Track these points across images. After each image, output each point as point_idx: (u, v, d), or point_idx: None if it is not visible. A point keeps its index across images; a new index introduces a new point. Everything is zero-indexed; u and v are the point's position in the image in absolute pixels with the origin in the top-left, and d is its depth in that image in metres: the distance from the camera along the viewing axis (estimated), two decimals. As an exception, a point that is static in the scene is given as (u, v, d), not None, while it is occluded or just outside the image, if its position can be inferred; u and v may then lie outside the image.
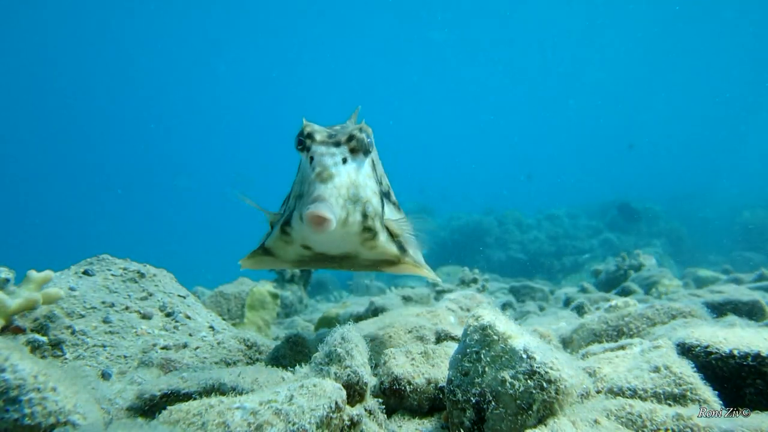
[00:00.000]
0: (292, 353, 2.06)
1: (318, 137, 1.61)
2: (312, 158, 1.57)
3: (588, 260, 12.69)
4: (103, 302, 2.03)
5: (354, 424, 1.19)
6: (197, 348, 2.01)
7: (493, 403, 1.16)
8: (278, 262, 1.96)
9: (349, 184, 1.56)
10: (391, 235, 1.77)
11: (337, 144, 1.60)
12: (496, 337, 1.25)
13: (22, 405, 0.99)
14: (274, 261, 1.94)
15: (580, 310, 3.61)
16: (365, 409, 1.30)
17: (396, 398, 1.49)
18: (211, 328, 2.30)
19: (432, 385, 1.48)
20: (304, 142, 1.61)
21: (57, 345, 1.75)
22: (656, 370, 1.38)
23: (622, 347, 1.78)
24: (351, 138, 1.61)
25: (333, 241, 1.66)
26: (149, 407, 1.37)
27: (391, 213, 1.86)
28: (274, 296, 3.73)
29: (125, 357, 1.85)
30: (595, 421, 1.15)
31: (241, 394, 1.23)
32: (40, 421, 1.00)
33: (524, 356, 1.17)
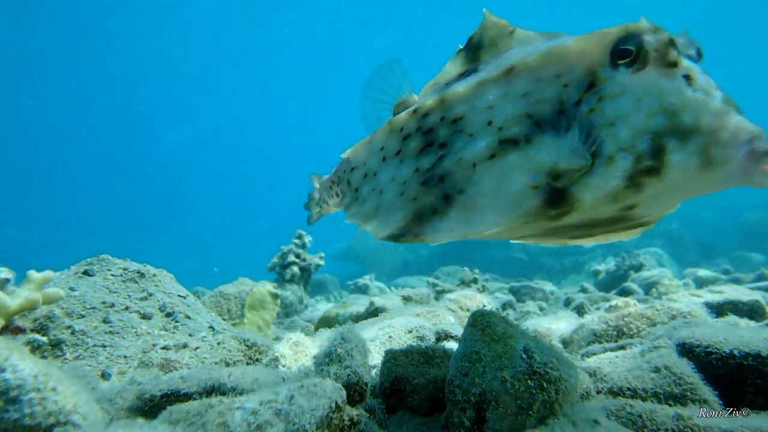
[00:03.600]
0: (292, 353, 2.06)
1: (681, 47, 1.11)
2: (692, 77, 1.06)
3: (588, 260, 12.70)
4: (103, 302, 2.03)
5: (354, 424, 1.19)
6: (197, 348, 2.01)
7: (493, 403, 1.16)
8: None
9: None
10: None
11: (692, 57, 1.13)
12: (496, 338, 1.25)
13: (22, 405, 0.99)
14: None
15: (580, 310, 3.61)
16: (365, 409, 1.30)
17: (396, 398, 1.49)
18: (211, 328, 2.30)
19: (432, 385, 1.48)
20: (668, 53, 1.07)
21: (57, 345, 1.75)
22: (656, 370, 1.38)
23: (622, 347, 1.78)
24: (700, 53, 1.16)
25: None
26: (149, 407, 1.37)
27: None
28: (274, 296, 3.73)
29: (125, 357, 1.85)
30: (596, 421, 1.15)
31: (241, 394, 1.23)
32: (40, 421, 1.00)
33: (524, 356, 1.17)
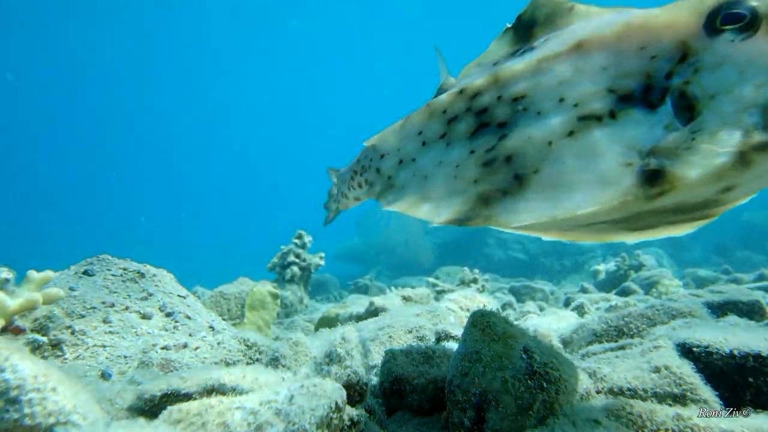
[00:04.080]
0: (292, 353, 2.06)
1: None
2: None
3: (588, 260, 12.70)
4: (103, 302, 2.03)
5: (354, 424, 1.19)
6: (197, 348, 2.01)
7: (493, 403, 1.16)
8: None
9: None
10: None
11: None
12: (496, 338, 1.25)
13: (22, 405, 0.99)
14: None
15: (580, 310, 3.61)
16: (365, 409, 1.30)
17: (396, 398, 1.49)
18: (211, 328, 2.30)
19: (432, 385, 1.48)
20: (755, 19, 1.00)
21: (57, 345, 1.75)
22: (656, 370, 1.38)
23: (622, 347, 1.78)
24: None
25: None
26: (149, 407, 1.37)
27: None
28: (274, 296, 3.73)
29: (125, 357, 1.85)
30: (596, 421, 1.15)
31: (241, 394, 1.23)
32: (40, 421, 1.00)
33: (524, 356, 1.17)
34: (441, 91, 1.51)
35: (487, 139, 1.19)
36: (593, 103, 1.07)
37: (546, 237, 1.26)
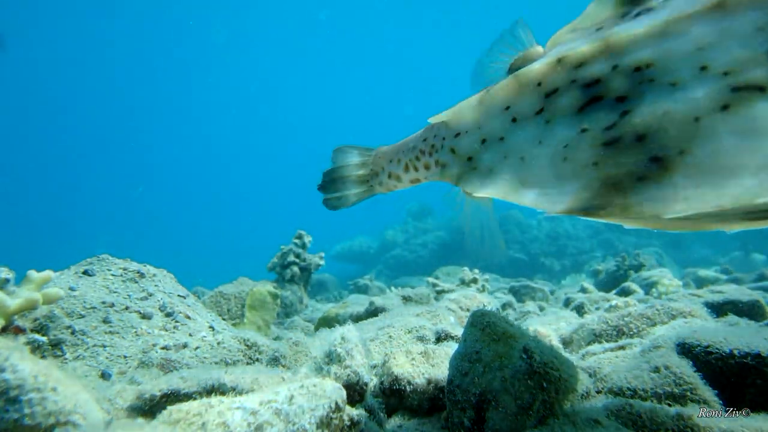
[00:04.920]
0: (292, 353, 2.06)
1: None
2: None
3: (588, 260, 12.70)
4: (103, 302, 2.03)
5: (354, 424, 1.19)
6: (197, 348, 2.01)
7: (493, 403, 1.16)
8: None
9: None
10: None
11: None
12: (496, 337, 1.25)
13: (22, 405, 0.99)
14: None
15: (580, 310, 3.61)
16: (365, 409, 1.30)
17: (396, 398, 1.49)
18: (211, 328, 2.30)
19: (432, 385, 1.48)
20: None
21: (57, 345, 1.75)
22: (656, 370, 1.38)
23: (622, 347, 1.78)
24: None
25: None
26: (149, 407, 1.37)
27: None
28: (274, 296, 3.73)
29: (125, 357, 1.85)
30: (596, 421, 1.15)
31: (241, 394, 1.23)
32: (40, 421, 1.00)
33: (524, 356, 1.17)
34: (521, 62, 1.31)
35: (603, 115, 1.03)
36: (750, 70, 0.91)
37: (642, 226, 1.04)
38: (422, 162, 1.47)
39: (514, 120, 1.18)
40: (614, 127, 1.01)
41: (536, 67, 1.14)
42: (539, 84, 1.13)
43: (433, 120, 1.39)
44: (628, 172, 0.97)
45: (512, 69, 1.33)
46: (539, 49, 1.32)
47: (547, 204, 1.08)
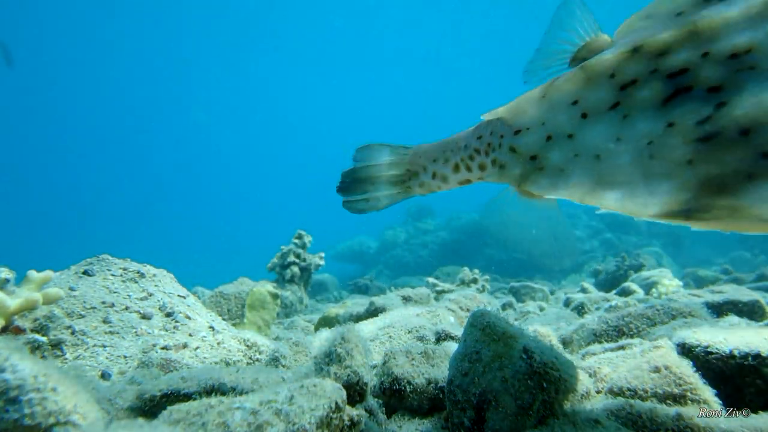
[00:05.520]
0: (292, 353, 2.06)
1: None
2: None
3: (588, 260, 12.70)
4: (103, 302, 2.03)
5: (354, 424, 1.19)
6: (197, 348, 2.01)
7: (493, 403, 1.16)
8: None
9: None
10: None
11: None
12: (496, 337, 1.25)
13: (22, 405, 0.99)
14: None
15: (580, 310, 3.61)
16: (365, 409, 1.30)
17: (396, 398, 1.49)
18: (211, 328, 2.30)
19: (432, 385, 1.48)
20: None
21: (57, 345, 1.75)
22: (656, 370, 1.38)
23: (622, 347, 1.78)
24: None
25: None
26: (149, 407, 1.37)
27: None
28: (274, 296, 3.73)
29: (125, 357, 1.85)
30: (596, 421, 1.15)
31: (241, 394, 1.23)
32: (40, 421, 1.00)
33: (524, 356, 1.17)
34: (586, 52, 1.21)
35: (694, 107, 0.94)
36: None
37: (753, 231, 0.95)
38: (477, 162, 1.35)
39: (584, 115, 1.09)
40: (709, 121, 0.92)
41: (608, 57, 1.05)
42: (612, 75, 1.05)
43: (487, 116, 1.29)
44: (734, 170, 0.88)
45: (576, 60, 1.22)
46: (605, 37, 1.22)
47: (636, 207, 0.98)
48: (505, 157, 1.26)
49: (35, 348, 1.70)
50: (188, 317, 2.27)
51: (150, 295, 2.27)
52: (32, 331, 1.74)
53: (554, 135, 1.14)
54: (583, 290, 5.82)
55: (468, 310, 2.92)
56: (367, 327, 2.29)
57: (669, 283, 5.17)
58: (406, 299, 3.62)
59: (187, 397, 1.35)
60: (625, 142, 1.02)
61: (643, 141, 0.99)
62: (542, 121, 1.16)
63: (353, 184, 1.63)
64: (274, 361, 2.01)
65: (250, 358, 2.08)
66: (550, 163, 1.15)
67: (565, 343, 2.37)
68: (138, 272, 2.36)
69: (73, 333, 1.81)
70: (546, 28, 1.32)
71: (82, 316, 1.92)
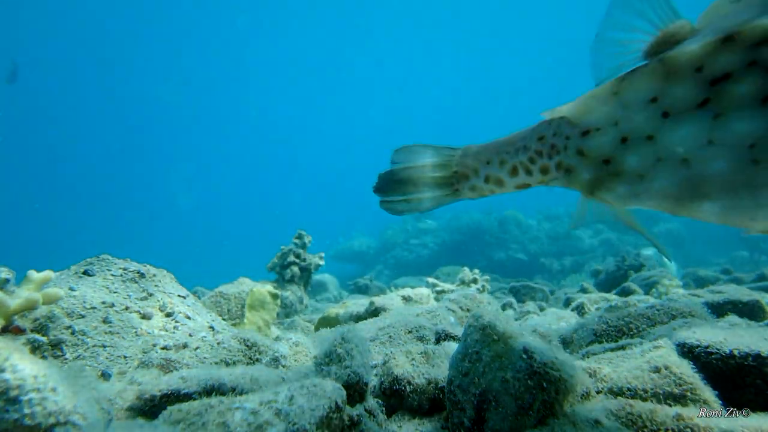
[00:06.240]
0: (292, 353, 2.06)
1: None
2: None
3: (588, 260, 12.71)
4: (103, 302, 2.03)
5: (354, 424, 1.19)
6: (197, 348, 2.01)
7: (493, 403, 1.16)
8: None
9: None
10: None
11: None
12: (496, 337, 1.25)
13: (22, 405, 0.99)
14: None
15: (580, 310, 3.61)
16: (365, 409, 1.30)
17: (396, 398, 1.49)
18: (211, 328, 2.30)
19: (432, 385, 1.48)
20: None
21: (57, 345, 1.75)
22: (656, 370, 1.38)
23: (622, 347, 1.78)
24: None
25: None
26: (149, 407, 1.37)
27: None
28: (274, 296, 3.73)
29: (125, 357, 1.85)
30: (596, 422, 1.15)
31: (241, 394, 1.23)
32: (40, 422, 1.00)
33: (524, 356, 1.17)
34: (662, 42, 1.06)
35: None
36: None
37: None
38: (538, 165, 1.24)
39: (665, 114, 0.97)
40: None
41: (693, 48, 0.93)
42: (700, 69, 0.92)
43: (548, 115, 1.19)
44: None
45: (651, 51, 1.08)
46: (687, 24, 1.06)
47: (742, 220, 0.89)
48: (572, 161, 1.15)
49: (35, 348, 1.70)
50: (188, 317, 2.27)
51: (150, 295, 2.27)
52: (32, 331, 1.74)
53: (630, 136, 1.03)
54: (583, 290, 5.82)
55: (468, 310, 2.92)
56: (367, 327, 2.29)
57: (669, 283, 5.18)
58: (406, 299, 3.62)
59: (187, 397, 1.35)
60: (720, 145, 0.91)
61: (743, 144, 0.88)
62: (615, 121, 1.05)
63: (392, 185, 1.53)
64: (274, 361, 2.01)
65: (250, 358, 2.08)
66: (627, 169, 1.04)
67: (565, 343, 2.37)
68: (138, 272, 2.35)
69: (73, 333, 1.81)
70: (608, 15, 1.16)
71: (82, 316, 1.92)
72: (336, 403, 1.09)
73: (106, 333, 1.91)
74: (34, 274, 1.77)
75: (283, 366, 1.99)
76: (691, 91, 0.93)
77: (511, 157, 1.30)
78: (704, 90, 0.92)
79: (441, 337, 2.15)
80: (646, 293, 4.98)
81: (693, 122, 0.94)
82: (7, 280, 1.70)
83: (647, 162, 1.01)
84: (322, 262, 6.12)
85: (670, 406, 1.27)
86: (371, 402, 1.34)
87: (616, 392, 1.39)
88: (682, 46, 0.97)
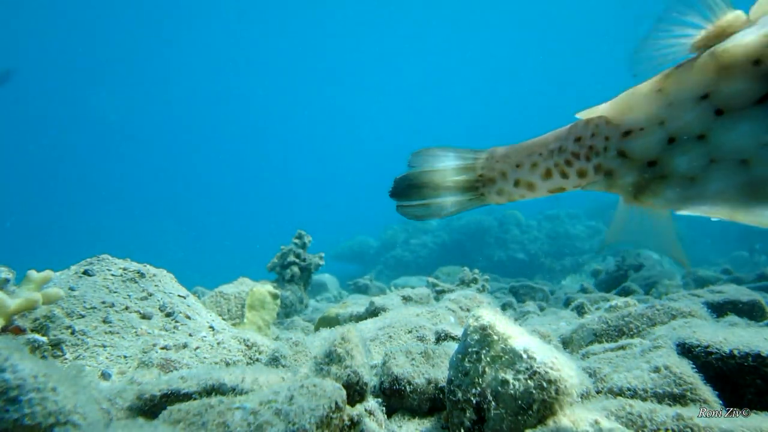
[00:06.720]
0: (292, 353, 2.06)
1: None
2: None
3: (588, 260, 12.71)
4: (103, 302, 2.03)
5: (354, 424, 1.19)
6: (197, 348, 2.01)
7: (493, 403, 1.16)
8: None
9: None
10: None
11: None
12: (496, 337, 1.25)
13: (22, 405, 0.99)
14: None
15: (580, 310, 3.61)
16: (365, 409, 1.30)
17: (396, 398, 1.49)
18: (211, 328, 2.30)
19: (432, 385, 1.48)
20: None
21: (57, 345, 1.75)
22: (656, 370, 1.38)
23: (622, 347, 1.78)
24: None
25: None
26: (149, 407, 1.37)
27: None
28: (274, 296, 3.73)
29: (125, 357, 1.85)
30: (596, 422, 1.15)
31: (241, 394, 1.23)
32: (40, 421, 1.00)
33: (524, 356, 1.17)
34: (714, 35, 0.97)
35: None
36: None
37: None
38: (575, 167, 1.16)
39: (719, 112, 0.90)
40: None
41: (749, 40, 0.86)
42: (757, 62, 0.85)
43: (584, 115, 1.12)
44: None
45: (700, 45, 0.99)
46: (740, 15, 0.97)
47: None
48: (613, 163, 1.08)
49: (35, 348, 1.70)
50: (188, 317, 2.27)
51: (150, 295, 2.27)
52: (32, 331, 1.74)
53: (679, 136, 0.95)
54: (583, 290, 5.82)
55: (468, 310, 2.92)
56: (367, 327, 2.29)
57: (669, 283, 5.18)
58: (406, 299, 3.62)
59: (187, 397, 1.35)
60: None
61: None
62: (660, 120, 0.98)
63: (410, 189, 1.45)
64: (274, 361, 2.01)
65: (250, 358, 2.08)
66: (677, 171, 0.96)
67: (565, 343, 2.37)
68: (138, 272, 2.35)
69: (73, 333, 1.81)
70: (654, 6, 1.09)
71: (82, 316, 1.92)
72: (336, 403, 1.09)
73: (106, 333, 1.91)
74: (34, 274, 1.77)
75: (283, 366, 1.99)
76: (747, 86, 0.86)
77: (545, 159, 1.22)
78: (762, 85, 0.85)
79: (441, 337, 2.15)
80: (646, 293, 4.98)
81: (751, 120, 0.87)
82: (7, 280, 1.70)
83: (699, 164, 0.93)
84: (322, 262, 6.12)
85: (670, 406, 1.27)
86: (371, 402, 1.34)
87: (616, 392, 1.39)
88: (736, 38, 0.89)
